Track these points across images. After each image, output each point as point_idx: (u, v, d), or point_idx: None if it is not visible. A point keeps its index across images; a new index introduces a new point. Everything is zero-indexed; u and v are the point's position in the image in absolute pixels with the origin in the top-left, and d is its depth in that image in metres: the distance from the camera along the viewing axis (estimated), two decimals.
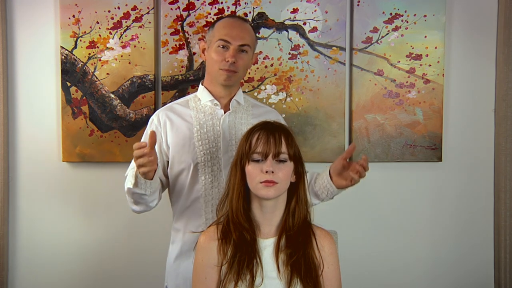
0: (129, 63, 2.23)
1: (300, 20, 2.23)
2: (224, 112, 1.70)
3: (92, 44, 2.23)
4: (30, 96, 2.29)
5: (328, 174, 1.67)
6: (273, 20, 2.23)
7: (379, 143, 2.27)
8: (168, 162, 1.71)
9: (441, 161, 2.28)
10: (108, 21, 2.23)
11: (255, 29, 2.22)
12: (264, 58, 2.23)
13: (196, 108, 1.71)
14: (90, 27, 2.23)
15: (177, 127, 1.68)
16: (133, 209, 1.66)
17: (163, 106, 2.21)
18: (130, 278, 2.30)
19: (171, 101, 2.21)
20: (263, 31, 2.23)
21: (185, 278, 1.64)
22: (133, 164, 1.55)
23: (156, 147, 1.65)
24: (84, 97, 2.24)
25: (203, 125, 1.68)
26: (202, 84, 1.74)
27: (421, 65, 2.25)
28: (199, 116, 1.69)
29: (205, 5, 2.22)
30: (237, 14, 2.22)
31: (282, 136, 1.35)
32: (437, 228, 2.34)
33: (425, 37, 2.25)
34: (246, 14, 2.22)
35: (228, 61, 1.62)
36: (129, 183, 1.55)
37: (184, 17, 2.23)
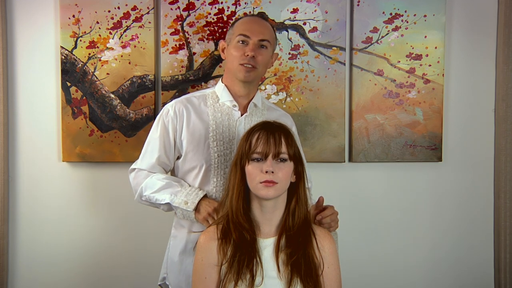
0: (129, 63, 2.23)
1: (300, 20, 2.23)
2: (241, 114, 1.68)
3: (92, 44, 2.23)
4: (30, 96, 2.29)
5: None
6: (273, 20, 2.23)
7: (379, 143, 2.27)
8: (179, 157, 1.69)
9: (441, 161, 2.28)
10: (108, 21, 2.23)
11: None
12: None
13: (214, 106, 1.68)
14: (90, 27, 2.23)
15: (193, 123, 1.66)
16: (138, 200, 1.70)
17: (163, 106, 2.23)
18: (130, 277, 2.30)
19: (171, 101, 2.23)
20: None
21: (187, 275, 1.64)
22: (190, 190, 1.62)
23: (171, 139, 1.67)
24: (84, 97, 2.24)
25: (219, 125, 1.66)
26: (221, 81, 1.72)
27: (421, 65, 2.26)
28: (216, 115, 1.66)
29: (205, 5, 2.22)
30: (237, 14, 2.22)
31: (282, 136, 1.35)
32: (437, 228, 2.34)
33: (425, 37, 2.25)
34: (246, 14, 2.22)
35: (247, 55, 1.60)
36: (182, 202, 1.59)
37: (184, 17, 2.23)
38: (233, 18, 2.22)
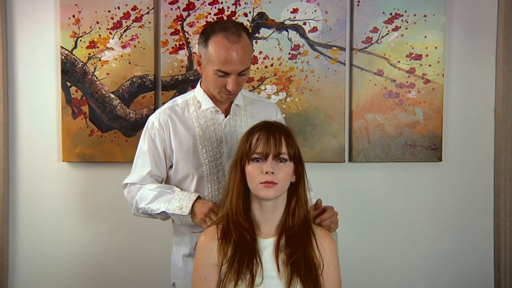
0: (129, 63, 2.23)
1: (300, 20, 2.23)
2: (225, 116, 1.67)
3: (92, 44, 2.23)
4: (30, 96, 2.29)
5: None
6: (273, 20, 2.23)
7: (379, 143, 2.27)
8: (171, 166, 1.69)
9: (441, 161, 2.28)
10: (108, 21, 2.23)
11: (255, 29, 2.23)
12: (264, 58, 2.23)
13: (197, 112, 1.66)
14: (90, 27, 2.23)
15: (180, 132, 1.65)
16: (135, 214, 1.69)
17: (163, 106, 2.23)
18: (129, 278, 2.30)
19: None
20: (263, 31, 2.23)
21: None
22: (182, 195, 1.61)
23: (160, 151, 1.66)
24: (84, 97, 2.24)
25: (205, 130, 1.65)
26: (200, 86, 1.68)
27: (421, 65, 2.26)
28: (200, 121, 1.65)
29: (205, 5, 2.22)
30: (237, 14, 2.22)
31: (283, 136, 1.35)
32: (437, 228, 2.34)
33: (425, 37, 2.25)
34: (246, 14, 2.22)
35: (230, 89, 1.54)
36: (176, 208, 1.58)
37: (184, 17, 2.23)
38: (233, 18, 2.22)
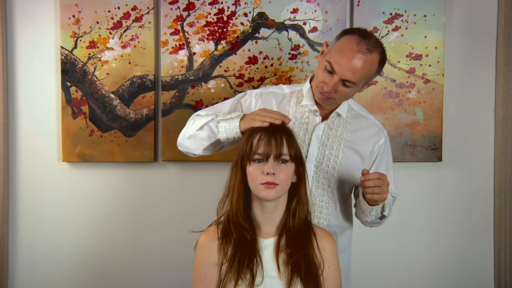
0: (129, 63, 2.23)
1: (300, 20, 2.23)
2: (322, 120, 1.62)
3: (92, 44, 2.23)
4: (30, 96, 2.29)
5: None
6: (273, 20, 2.23)
7: None
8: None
9: (441, 161, 2.28)
10: (108, 21, 2.23)
11: (255, 29, 2.22)
12: (264, 58, 2.23)
13: (296, 107, 1.62)
14: (90, 27, 2.23)
15: None
16: (181, 141, 1.62)
17: (163, 106, 2.23)
18: (129, 278, 2.30)
19: (171, 101, 2.23)
20: (263, 31, 2.23)
21: None
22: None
23: (240, 110, 1.61)
24: (84, 97, 2.24)
25: (298, 127, 1.60)
26: (310, 82, 1.63)
27: (421, 65, 2.26)
28: (296, 116, 1.61)
29: (205, 5, 2.22)
30: (237, 14, 2.21)
31: (284, 137, 1.35)
32: (437, 228, 2.34)
33: (425, 37, 2.25)
34: (246, 14, 2.22)
35: (324, 89, 1.51)
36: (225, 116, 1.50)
37: (184, 17, 2.23)
38: (233, 18, 2.22)
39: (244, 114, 1.49)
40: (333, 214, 1.64)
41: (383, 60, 1.53)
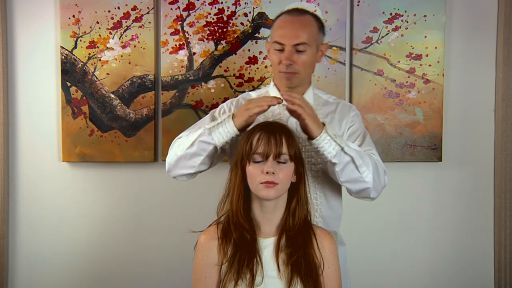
0: (129, 63, 2.23)
1: None
2: None
3: (92, 44, 2.23)
4: (30, 96, 2.29)
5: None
6: (273, 20, 2.22)
7: (379, 143, 2.26)
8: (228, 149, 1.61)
9: (441, 161, 2.28)
10: (108, 21, 2.23)
11: (255, 29, 2.22)
12: (264, 58, 2.23)
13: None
14: (90, 27, 2.23)
15: None
16: (173, 160, 1.60)
17: (163, 106, 2.23)
18: (130, 277, 2.30)
19: (171, 101, 2.23)
20: (263, 31, 2.23)
21: None
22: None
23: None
24: (84, 97, 2.24)
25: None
26: (273, 81, 1.68)
27: (421, 65, 2.26)
28: (267, 115, 1.60)
29: (205, 5, 2.22)
30: (237, 14, 2.21)
31: (283, 136, 1.35)
32: (437, 228, 2.33)
33: (425, 37, 2.25)
34: (246, 14, 2.22)
35: (283, 63, 1.54)
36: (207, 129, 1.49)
37: (184, 17, 2.23)
38: (233, 18, 2.22)
39: (233, 114, 1.49)
40: (323, 205, 1.63)
41: (319, 20, 1.62)
